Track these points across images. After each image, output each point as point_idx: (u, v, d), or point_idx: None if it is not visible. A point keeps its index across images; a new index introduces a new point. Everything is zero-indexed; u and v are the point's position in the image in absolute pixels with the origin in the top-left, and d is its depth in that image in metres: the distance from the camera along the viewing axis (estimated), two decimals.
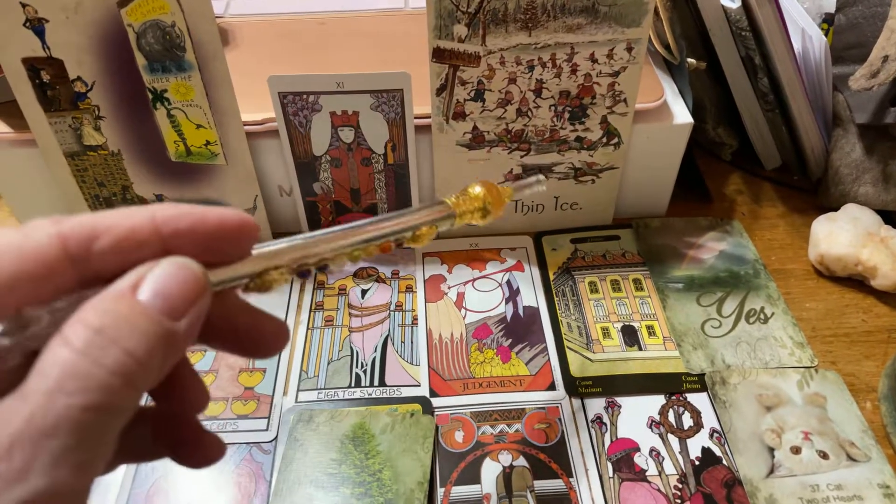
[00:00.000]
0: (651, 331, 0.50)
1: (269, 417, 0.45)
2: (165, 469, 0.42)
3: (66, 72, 0.45)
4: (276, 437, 0.44)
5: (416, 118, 0.49)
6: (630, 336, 0.49)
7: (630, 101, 0.49)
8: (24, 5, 0.42)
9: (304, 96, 0.47)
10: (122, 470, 0.42)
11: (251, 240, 0.24)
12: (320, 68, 0.54)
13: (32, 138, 0.49)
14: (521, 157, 0.52)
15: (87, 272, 0.21)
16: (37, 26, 0.43)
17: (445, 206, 0.31)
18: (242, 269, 0.23)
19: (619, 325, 0.50)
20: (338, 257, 0.26)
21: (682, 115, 0.52)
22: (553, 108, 0.49)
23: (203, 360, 0.48)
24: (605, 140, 0.51)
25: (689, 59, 0.53)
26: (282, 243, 0.25)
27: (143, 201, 0.52)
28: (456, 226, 0.32)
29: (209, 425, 0.44)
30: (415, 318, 0.51)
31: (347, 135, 0.50)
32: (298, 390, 0.47)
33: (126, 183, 0.51)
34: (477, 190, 0.32)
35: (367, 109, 0.48)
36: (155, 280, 0.21)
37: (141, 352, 0.19)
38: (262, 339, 0.25)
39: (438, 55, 0.46)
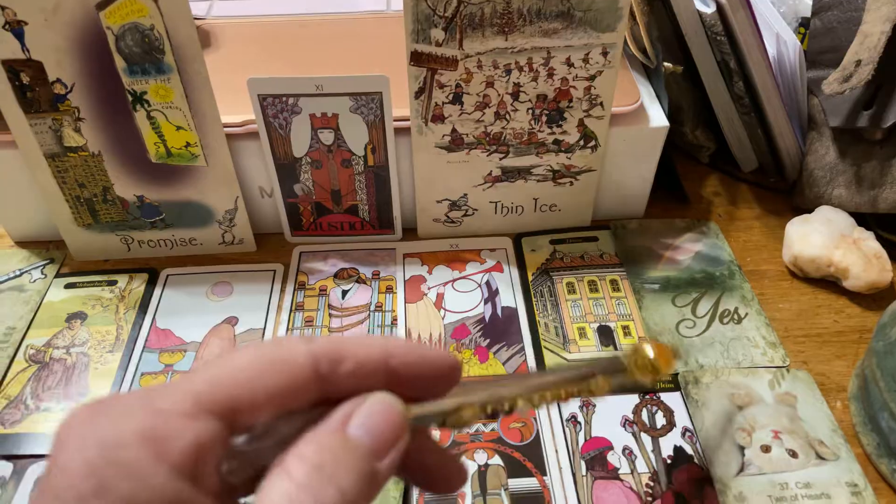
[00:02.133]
0: (626, 331, 0.50)
1: None
2: None
3: (45, 74, 0.46)
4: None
5: (395, 120, 0.50)
6: (606, 336, 0.50)
7: (606, 104, 0.50)
8: (2, 8, 0.43)
9: (284, 98, 0.48)
10: None
11: (455, 382, 0.26)
12: (301, 71, 0.54)
13: (12, 139, 0.49)
14: (500, 159, 0.52)
15: (326, 392, 0.23)
16: (16, 28, 0.44)
17: (620, 362, 0.31)
18: (440, 407, 0.25)
19: (595, 325, 0.51)
20: (525, 402, 0.26)
21: (657, 118, 0.53)
22: (531, 111, 0.49)
23: (183, 360, 0.49)
24: (582, 143, 0.52)
25: (666, 63, 0.54)
26: (475, 384, 0.26)
27: (123, 202, 0.53)
28: (626, 381, 0.32)
29: None
30: (394, 319, 0.52)
31: (327, 137, 0.50)
32: None
33: (107, 184, 0.51)
34: (649, 352, 0.32)
35: (347, 112, 0.49)
36: (365, 417, 0.23)
37: (353, 490, 0.21)
38: (445, 477, 0.27)
39: (416, 59, 0.46)
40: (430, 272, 0.55)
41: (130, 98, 0.47)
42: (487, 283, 0.54)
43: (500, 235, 0.58)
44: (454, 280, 0.54)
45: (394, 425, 0.23)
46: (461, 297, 0.53)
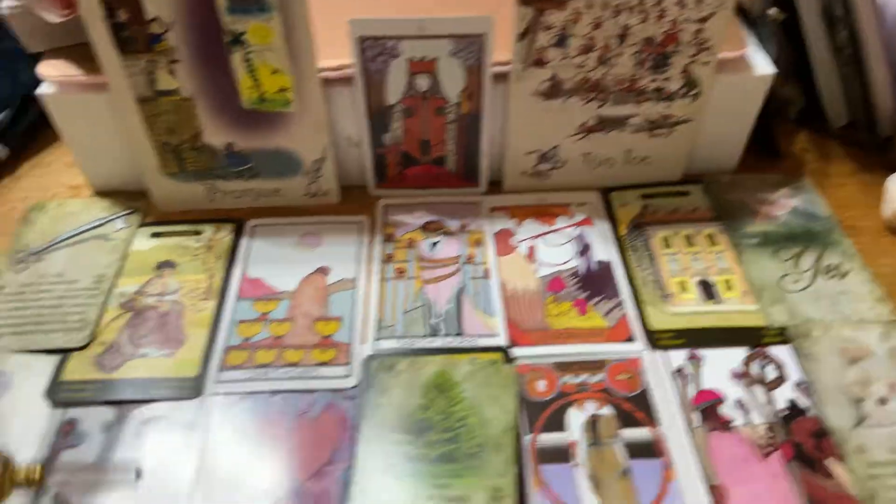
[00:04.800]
0: (728, 285, 0.49)
1: (348, 365, 0.45)
2: (256, 412, 0.42)
3: (143, 12, 0.44)
4: (357, 385, 0.44)
5: (494, 65, 0.48)
6: (707, 290, 0.49)
7: (715, 48, 0.48)
8: None
9: (384, 41, 0.46)
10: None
11: None
12: (400, 13, 0.52)
13: (103, 82, 0.48)
14: (598, 108, 0.51)
15: None
16: None
17: None
18: None
19: (695, 280, 0.49)
20: None
21: (762, 65, 0.51)
22: (635, 55, 0.48)
23: (277, 308, 0.48)
24: (684, 90, 0.50)
25: (770, 10, 0.52)
26: None
27: (211, 150, 0.52)
28: None
29: (288, 372, 0.44)
30: (486, 271, 0.51)
31: (423, 82, 0.49)
32: (375, 339, 0.46)
33: (196, 130, 0.50)
34: None
35: (446, 56, 0.47)
36: None
37: None
38: None
39: None
40: (518, 225, 0.54)
41: (228, 39, 0.45)
42: (579, 237, 0.53)
43: (587, 190, 0.56)
44: (544, 233, 0.53)
45: None
46: (553, 250, 0.52)
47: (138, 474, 0.39)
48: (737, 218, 0.53)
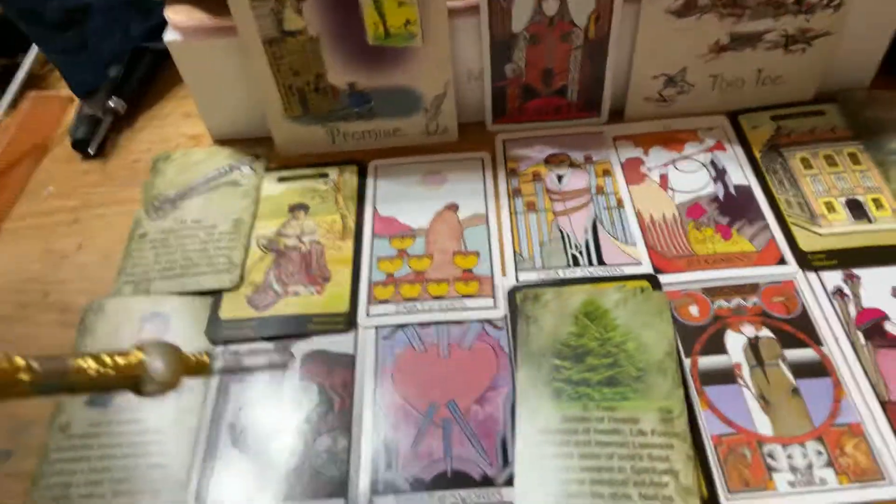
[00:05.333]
0: (878, 203, 0.47)
1: (493, 296, 0.45)
2: (405, 342, 0.43)
3: None
4: (505, 315, 0.44)
5: None
6: (857, 210, 0.47)
7: None
8: None
9: None
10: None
11: None
12: None
13: (230, 25, 0.48)
14: (733, 24, 0.48)
15: None
16: None
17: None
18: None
19: (842, 200, 0.47)
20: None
21: None
22: None
23: (414, 245, 0.48)
24: (826, 1, 0.47)
25: None
26: None
27: (334, 90, 0.51)
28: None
29: (435, 305, 0.44)
30: (619, 201, 0.50)
31: (552, 6, 0.47)
32: (516, 271, 0.46)
33: (320, 71, 0.50)
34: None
35: None
36: None
37: None
38: None
39: None
40: (646, 153, 0.53)
41: None
42: (712, 163, 0.51)
43: (714, 114, 0.54)
44: (675, 161, 0.52)
45: None
46: (687, 176, 0.51)
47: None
48: (878, 135, 0.51)
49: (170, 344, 0.33)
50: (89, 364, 0.30)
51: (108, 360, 0.30)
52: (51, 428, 0.41)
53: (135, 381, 0.31)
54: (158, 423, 0.41)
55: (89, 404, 0.42)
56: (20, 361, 0.28)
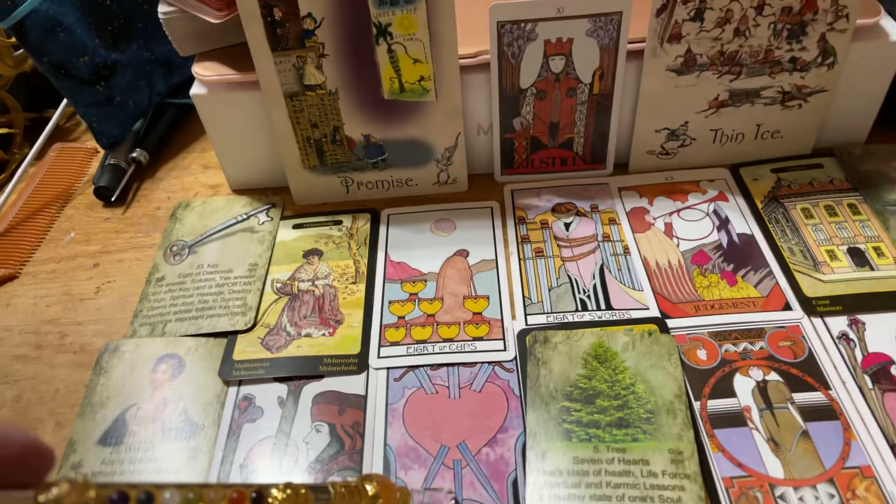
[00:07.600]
0: (879, 251, 0.48)
1: (503, 339, 0.46)
2: (417, 384, 0.43)
3: (297, 8, 0.47)
4: (515, 357, 0.45)
5: (627, 43, 0.49)
6: (858, 257, 0.48)
7: (852, 16, 0.48)
8: None
9: (522, 24, 0.48)
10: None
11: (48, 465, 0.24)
12: None
13: (253, 80, 0.50)
14: (731, 81, 0.51)
15: None
16: None
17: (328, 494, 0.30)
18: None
19: (843, 248, 0.49)
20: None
21: None
22: (772, 25, 0.48)
23: (425, 289, 0.49)
24: (820, 59, 0.50)
25: None
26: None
27: (350, 142, 0.54)
28: None
29: (446, 347, 0.45)
30: (626, 248, 0.51)
31: (558, 64, 0.50)
32: (526, 314, 0.47)
33: (338, 123, 0.53)
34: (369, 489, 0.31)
35: (582, 35, 0.48)
36: None
37: None
38: None
39: None
40: (650, 203, 0.54)
41: (375, 31, 0.47)
42: (715, 212, 0.53)
43: (715, 167, 0.56)
44: (679, 210, 0.53)
45: None
46: (690, 225, 0.52)
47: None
48: (876, 187, 0.52)
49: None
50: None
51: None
52: (62, 466, 0.41)
53: None
54: (170, 463, 0.41)
55: (101, 443, 0.42)
56: None
